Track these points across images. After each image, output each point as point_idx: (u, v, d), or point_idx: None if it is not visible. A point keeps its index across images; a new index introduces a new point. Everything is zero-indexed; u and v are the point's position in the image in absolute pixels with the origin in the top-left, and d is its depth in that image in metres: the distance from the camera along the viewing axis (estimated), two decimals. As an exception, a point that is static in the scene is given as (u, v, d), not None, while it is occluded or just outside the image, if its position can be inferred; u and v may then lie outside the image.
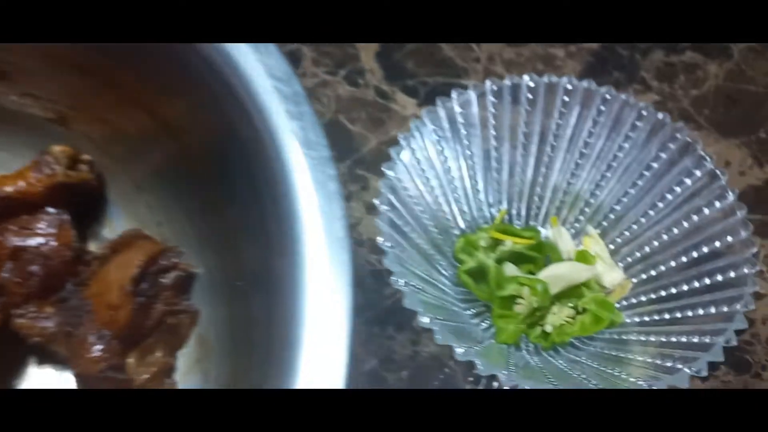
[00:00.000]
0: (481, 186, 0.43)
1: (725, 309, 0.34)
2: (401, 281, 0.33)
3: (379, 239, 0.34)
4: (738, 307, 0.33)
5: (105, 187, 0.43)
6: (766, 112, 0.52)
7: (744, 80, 0.53)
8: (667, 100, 0.52)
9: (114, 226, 0.43)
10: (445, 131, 0.40)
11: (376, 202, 0.35)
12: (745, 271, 0.35)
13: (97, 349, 0.37)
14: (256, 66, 0.31)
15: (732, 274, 0.35)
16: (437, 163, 0.41)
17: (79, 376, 0.37)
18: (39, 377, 0.39)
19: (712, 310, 0.35)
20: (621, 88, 0.52)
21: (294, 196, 0.29)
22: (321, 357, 0.28)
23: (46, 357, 0.38)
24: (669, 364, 0.33)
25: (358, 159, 0.48)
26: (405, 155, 0.38)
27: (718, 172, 0.38)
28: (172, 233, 0.41)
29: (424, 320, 0.32)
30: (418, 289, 0.35)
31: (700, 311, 0.35)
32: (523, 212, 0.44)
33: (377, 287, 0.33)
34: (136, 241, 0.40)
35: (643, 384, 0.32)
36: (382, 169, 0.37)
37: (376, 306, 0.42)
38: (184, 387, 0.38)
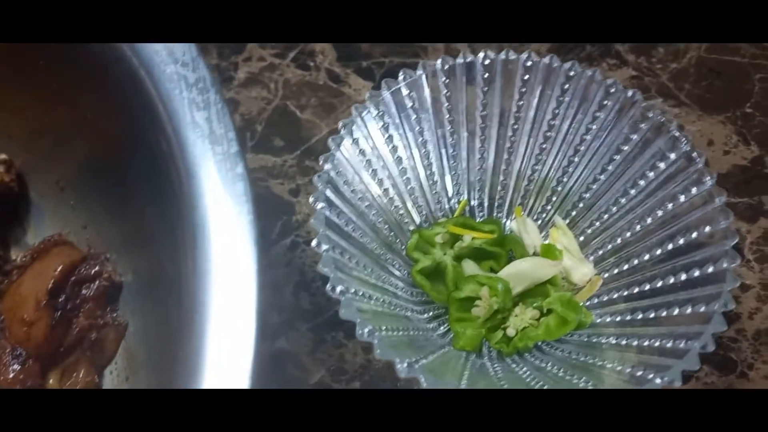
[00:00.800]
0: (437, 176, 0.39)
1: (703, 309, 0.30)
2: (338, 288, 0.29)
3: (314, 242, 0.30)
4: (716, 307, 0.30)
5: (26, 188, 0.39)
6: (751, 84, 0.48)
7: (727, 51, 0.49)
8: (645, 75, 0.48)
9: (36, 231, 0.39)
10: (392, 117, 0.36)
11: (311, 199, 0.32)
12: (725, 265, 0.31)
13: (12, 370, 0.33)
14: (158, 49, 0.27)
15: (710, 269, 0.31)
16: (385, 152, 0.37)
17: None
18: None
19: (689, 310, 0.31)
20: (594, 63, 0.48)
21: (197, 199, 0.26)
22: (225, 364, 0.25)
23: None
24: (639, 374, 0.30)
25: (307, 149, 0.44)
26: (346, 145, 0.34)
27: (694, 154, 0.34)
28: (97, 237, 0.38)
29: (362, 332, 0.29)
30: (361, 296, 0.31)
31: (676, 311, 0.32)
32: (486, 203, 0.40)
33: (326, 291, 0.29)
34: (55, 248, 0.36)
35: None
36: (319, 162, 0.33)
37: (324, 311, 0.38)
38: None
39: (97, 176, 0.37)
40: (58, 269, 0.35)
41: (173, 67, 0.27)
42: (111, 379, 0.36)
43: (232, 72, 0.47)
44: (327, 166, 0.33)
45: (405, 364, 0.28)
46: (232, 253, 0.26)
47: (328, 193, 0.32)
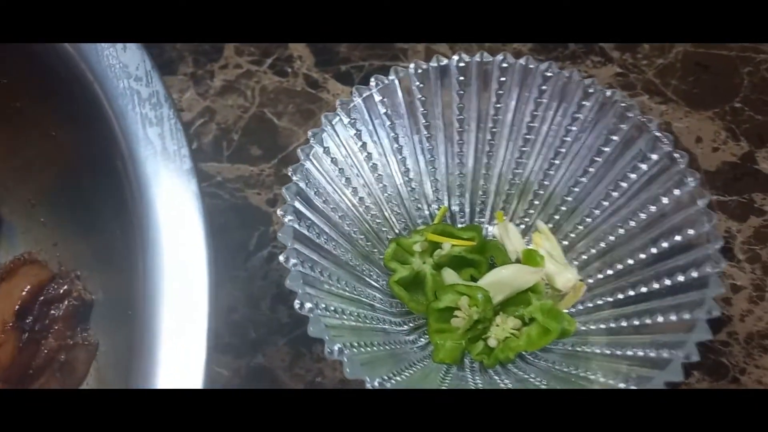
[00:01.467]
0: (415, 183, 0.38)
1: (687, 316, 0.29)
2: (306, 305, 0.28)
3: (281, 257, 0.29)
4: (700, 314, 0.28)
5: None
6: (740, 78, 0.46)
7: (714, 45, 0.48)
8: (630, 71, 0.47)
9: (8, 248, 0.38)
10: (366, 124, 0.35)
11: (280, 212, 0.31)
12: (708, 270, 0.30)
13: (-23, 395, 0.32)
14: (113, 63, 0.26)
15: (694, 274, 0.30)
16: (359, 160, 0.36)
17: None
18: None
19: (673, 317, 0.30)
20: (578, 61, 0.47)
21: (150, 217, 0.25)
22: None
23: None
24: (623, 386, 0.28)
25: (285, 157, 0.43)
26: (317, 155, 0.33)
27: (676, 154, 0.33)
28: (68, 254, 0.37)
29: (331, 350, 0.28)
30: (333, 311, 0.30)
31: (660, 318, 0.31)
32: (467, 208, 0.39)
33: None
34: (23, 267, 0.36)
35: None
36: (289, 172, 0.32)
37: (302, 324, 0.37)
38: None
39: (67, 194, 0.36)
40: (26, 289, 0.34)
41: (126, 82, 0.26)
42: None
43: (208, 80, 0.46)
44: (296, 177, 0.32)
45: (376, 384, 0.27)
46: (185, 272, 0.25)
47: (298, 204, 0.31)
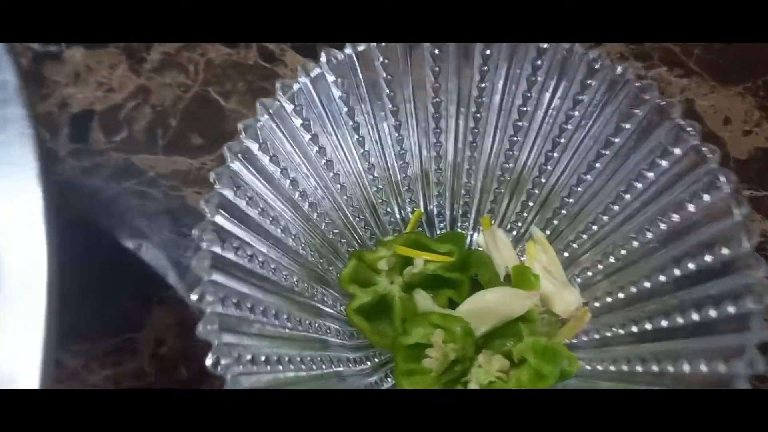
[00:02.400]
0: (382, 181, 0.31)
1: (722, 368, 0.22)
2: (222, 361, 0.21)
3: (194, 295, 0.22)
4: (739, 368, 0.22)
5: None
6: (776, 44, 0.39)
7: (747, 3, 0.40)
8: (645, 37, 0.39)
9: None
10: (316, 110, 0.28)
11: (194, 233, 0.24)
12: (750, 306, 0.23)
13: None
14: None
15: (731, 310, 0.23)
16: (309, 156, 0.29)
17: None
18: None
19: (703, 367, 0.23)
20: (583, 26, 0.40)
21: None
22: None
23: None
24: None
25: (231, 147, 0.36)
26: (250, 153, 0.26)
27: (705, 149, 0.25)
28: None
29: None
30: (264, 362, 0.24)
31: (686, 367, 0.24)
32: (447, 211, 0.33)
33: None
34: None
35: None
36: (211, 178, 0.25)
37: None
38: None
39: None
40: None
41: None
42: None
43: (143, 53, 0.39)
44: (219, 186, 0.25)
45: (314, 465, 0.21)
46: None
47: (221, 220, 0.24)
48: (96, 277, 0.31)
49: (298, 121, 0.28)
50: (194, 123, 0.37)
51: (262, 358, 0.24)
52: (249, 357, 0.23)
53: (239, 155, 0.26)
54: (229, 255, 0.24)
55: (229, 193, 0.25)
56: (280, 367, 0.24)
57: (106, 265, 0.32)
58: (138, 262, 0.33)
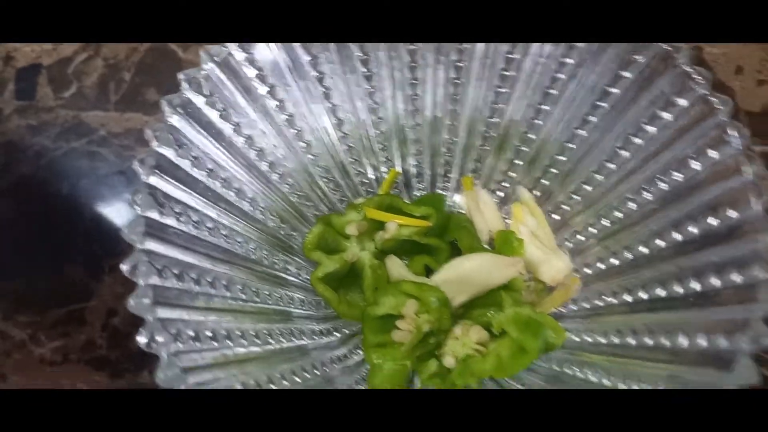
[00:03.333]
0: (355, 138, 0.28)
1: (724, 344, 0.20)
2: (159, 339, 0.19)
3: (124, 266, 0.20)
4: (742, 344, 0.19)
5: None
6: (793, -14, 0.35)
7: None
8: (649, -21, 0.36)
9: None
10: (272, 59, 0.25)
11: (128, 197, 0.21)
12: (757, 275, 0.20)
13: None
14: None
15: (736, 279, 0.21)
16: (267, 110, 0.26)
17: None
18: None
19: (702, 341, 0.21)
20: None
21: None
22: None
23: None
24: None
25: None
26: (193, 106, 0.23)
27: (714, 99, 0.22)
28: None
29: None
30: (207, 340, 0.21)
31: (684, 341, 0.21)
32: (426, 171, 0.30)
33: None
34: None
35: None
36: (147, 135, 0.22)
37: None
38: None
39: None
40: None
41: None
42: None
43: None
44: (157, 143, 0.22)
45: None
46: None
47: (158, 182, 0.21)
48: (43, 244, 0.28)
49: (252, 72, 0.25)
50: (150, 77, 0.34)
51: (208, 334, 0.21)
52: (191, 333, 0.20)
53: (180, 109, 0.23)
54: (170, 221, 0.22)
55: (169, 152, 0.22)
56: (230, 343, 0.22)
57: (54, 231, 0.30)
58: (88, 228, 0.30)
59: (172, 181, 0.22)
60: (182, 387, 0.19)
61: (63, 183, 0.31)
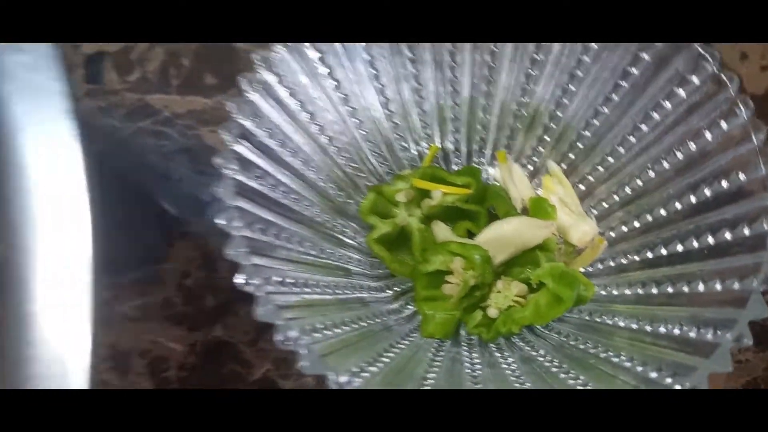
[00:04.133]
0: (398, 116, 0.31)
1: (736, 285, 0.23)
2: (253, 281, 0.22)
3: (220, 219, 0.23)
4: (754, 284, 0.22)
5: None
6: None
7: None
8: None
9: None
10: (333, 45, 0.28)
11: (218, 161, 0.24)
12: (766, 227, 0.23)
13: None
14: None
15: (746, 231, 0.24)
16: (327, 90, 0.29)
17: None
18: None
19: (718, 286, 0.24)
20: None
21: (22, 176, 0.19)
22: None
23: None
24: (653, 375, 0.23)
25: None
26: (268, 84, 0.26)
27: (724, 76, 0.26)
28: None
29: (285, 338, 0.22)
30: (292, 285, 0.24)
31: (701, 286, 0.24)
32: (463, 147, 0.33)
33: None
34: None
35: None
36: (227, 106, 0.25)
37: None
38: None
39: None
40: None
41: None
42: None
43: (155, -5, 0.39)
44: (239, 115, 0.25)
45: (342, 380, 0.21)
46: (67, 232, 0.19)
47: (243, 150, 0.25)
48: (119, 213, 0.31)
49: (315, 54, 0.28)
50: (207, 63, 0.37)
51: (289, 281, 0.24)
52: (277, 279, 0.24)
53: (256, 87, 0.26)
54: (252, 183, 0.25)
55: (248, 124, 0.25)
56: (307, 290, 0.25)
57: (127, 203, 0.33)
58: (157, 198, 0.33)
59: (252, 148, 0.25)
60: (278, 322, 0.22)
61: (133, 158, 0.34)
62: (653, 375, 0.23)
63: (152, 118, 0.35)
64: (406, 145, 0.32)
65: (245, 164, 0.25)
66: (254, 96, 0.25)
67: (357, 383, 0.21)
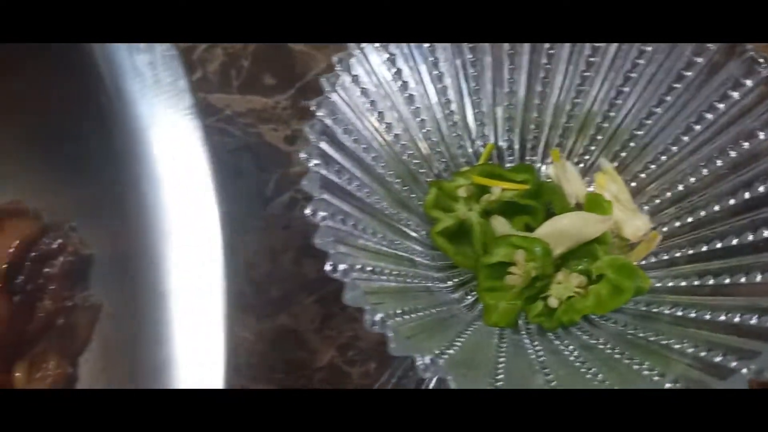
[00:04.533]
0: (457, 116, 0.33)
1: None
2: (340, 267, 0.23)
3: (307, 210, 0.24)
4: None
5: None
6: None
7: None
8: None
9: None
10: (400, 47, 0.30)
11: (302, 155, 0.25)
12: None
13: (-29, 365, 0.28)
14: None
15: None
16: (393, 90, 0.30)
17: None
18: None
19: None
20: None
21: (149, 161, 0.20)
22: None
23: None
24: (718, 359, 0.24)
25: (302, 87, 0.38)
26: (344, 85, 0.28)
27: (779, 79, 0.27)
28: (61, 204, 0.32)
29: (373, 322, 0.23)
30: (370, 272, 0.26)
31: (758, 277, 0.26)
32: (516, 145, 0.34)
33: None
34: (9, 220, 0.31)
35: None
36: (312, 107, 0.27)
37: (332, 279, 0.33)
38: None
39: (52, 138, 0.31)
40: (14, 245, 0.30)
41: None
42: (86, 370, 0.31)
43: (213, -2, 0.40)
44: (321, 113, 0.26)
45: (427, 361, 0.23)
46: (194, 224, 0.20)
47: (324, 146, 0.26)
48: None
49: (384, 56, 0.30)
50: (265, 64, 0.38)
51: (369, 268, 0.26)
52: (358, 266, 0.25)
53: (336, 86, 0.27)
54: (333, 177, 0.26)
55: (328, 121, 0.27)
56: (384, 278, 0.26)
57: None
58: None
59: (331, 144, 0.27)
60: (366, 306, 0.23)
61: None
62: (718, 359, 0.24)
63: (215, 117, 0.37)
64: (462, 144, 0.34)
65: (327, 159, 0.26)
66: (334, 96, 0.27)
67: (441, 362, 0.23)
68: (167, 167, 0.22)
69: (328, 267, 0.24)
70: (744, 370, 0.23)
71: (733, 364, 0.23)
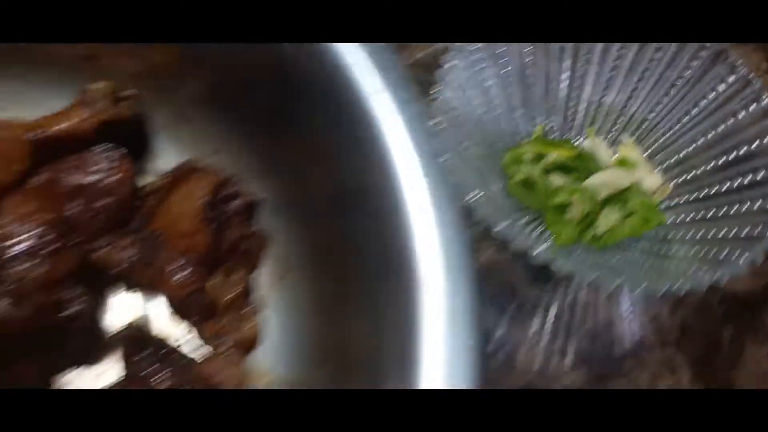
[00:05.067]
0: (517, 102, 0.45)
1: (759, 203, 0.37)
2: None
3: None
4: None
5: (145, 121, 0.42)
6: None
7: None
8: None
9: (159, 161, 0.43)
10: (482, 51, 0.42)
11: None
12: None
13: (182, 276, 0.38)
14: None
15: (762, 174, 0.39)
16: (477, 83, 0.42)
17: (169, 299, 0.38)
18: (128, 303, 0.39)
19: (750, 205, 0.38)
20: None
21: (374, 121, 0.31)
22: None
23: (131, 286, 0.39)
24: (710, 256, 0.36)
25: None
26: (451, 77, 0.40)
27: (751, 76, 0.40)
28: (228, 161, 0.42)
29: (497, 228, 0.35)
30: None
31: (743, 207, 0.39)
32: (557, 126, 0.46)
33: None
34: (193, 173, 0.41)
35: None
36: (432, 94, 0.38)
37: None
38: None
39: (224, 106, 0.41)
40: (208, 188, 0.40)
41: None
42: (266, 279, 0.40)
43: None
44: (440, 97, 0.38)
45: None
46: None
47: (442, 118, 0.38)
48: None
49: (473, 57, 0.42)
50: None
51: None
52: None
53: (444, 78, 0.39)
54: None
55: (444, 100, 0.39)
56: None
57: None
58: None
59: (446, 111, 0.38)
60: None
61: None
62: (710, 256, 0.36)
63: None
64: (518, 125, 0.46)
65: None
66: (443, 88, 0.39)
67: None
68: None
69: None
70: (741, 261, 0.35)
71: (734, 257, 0.36)
